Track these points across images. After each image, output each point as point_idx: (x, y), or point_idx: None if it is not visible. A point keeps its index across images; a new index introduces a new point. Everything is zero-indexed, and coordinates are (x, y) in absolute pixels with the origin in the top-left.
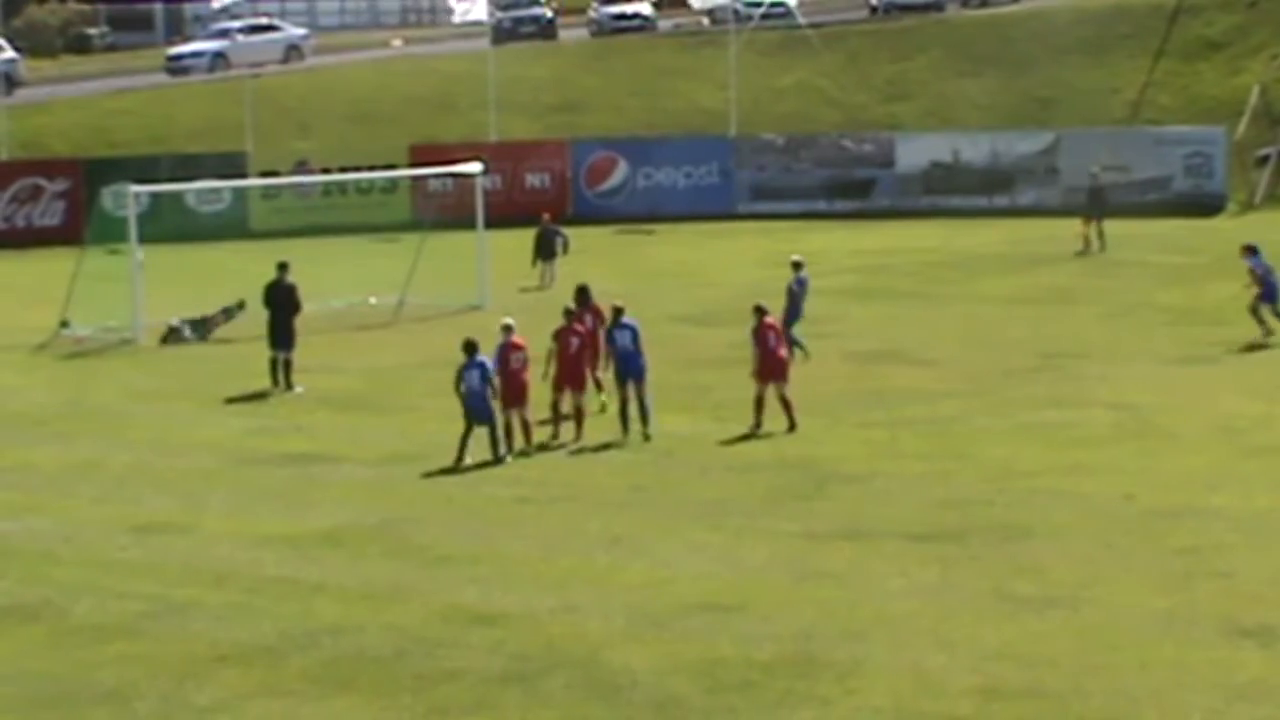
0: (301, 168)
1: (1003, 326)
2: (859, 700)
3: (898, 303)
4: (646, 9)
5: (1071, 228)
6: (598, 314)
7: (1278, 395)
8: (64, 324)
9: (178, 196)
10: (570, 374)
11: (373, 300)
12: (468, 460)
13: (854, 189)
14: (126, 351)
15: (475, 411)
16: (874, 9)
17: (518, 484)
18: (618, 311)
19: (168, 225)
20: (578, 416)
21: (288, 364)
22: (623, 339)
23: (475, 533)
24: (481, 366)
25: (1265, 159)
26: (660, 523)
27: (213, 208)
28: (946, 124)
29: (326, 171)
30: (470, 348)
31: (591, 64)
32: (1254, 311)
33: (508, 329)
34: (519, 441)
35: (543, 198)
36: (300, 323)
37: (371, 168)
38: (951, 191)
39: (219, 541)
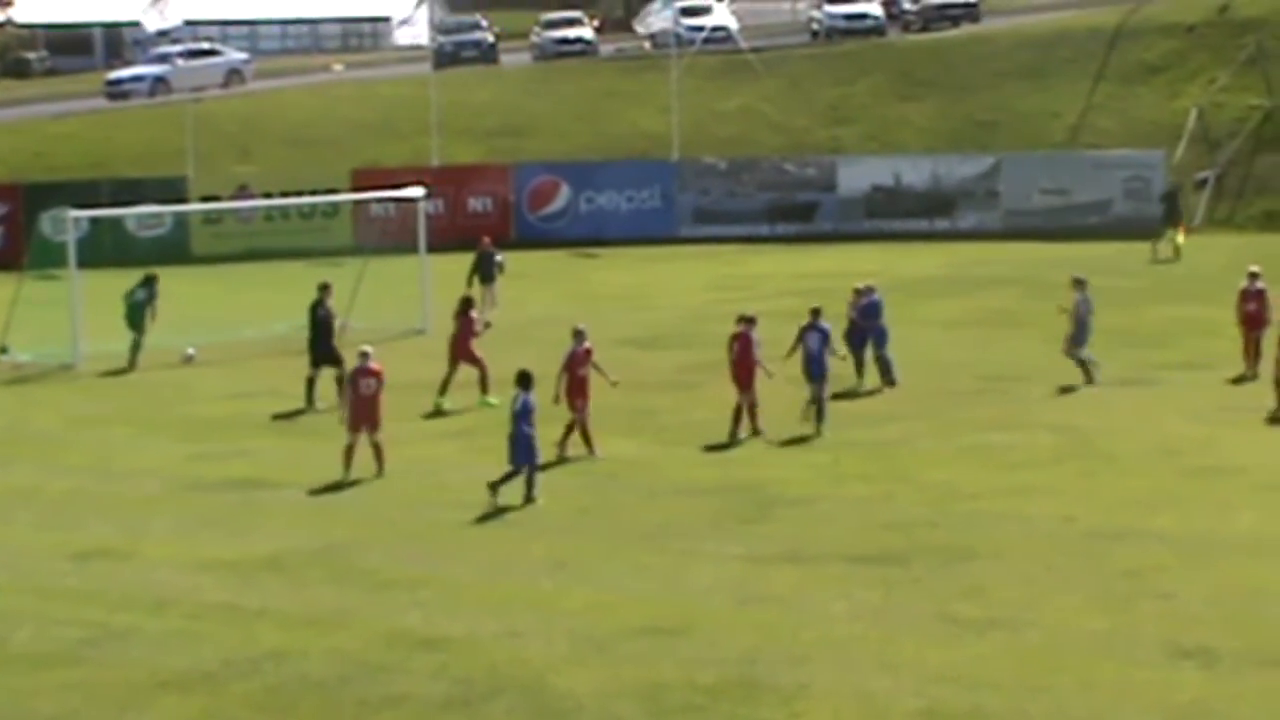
0: (243, 192)
1: (944, 349)
2: None
3: (840, 326)
4: (588, 33)
5: (1013, 251)
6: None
7: (1218, 417)
8: (3, 349)
9: (118, 221)
10: (580, 390)
11: None
12: (500, 499)
13: (796, 212)
14: (66, 377)
15: (526, 453)
16: (815, 33)
17: (461, 508)
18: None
19: (107, 250)
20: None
21: (327, 380)
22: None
23: (419, 557)
24: (527, 402)
25: (1204, 183)
26: (604, 546)
27: (153, 233)
28: (888, 148)
29: (268, 196)
30: (525, 380)
31: (534, 88)
32: (1068, 353)
33: (365, 355)
34: (368, 466)
35: (485, 222)
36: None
37: (313, 192)
38: (893, 215)
39: (159, 567)
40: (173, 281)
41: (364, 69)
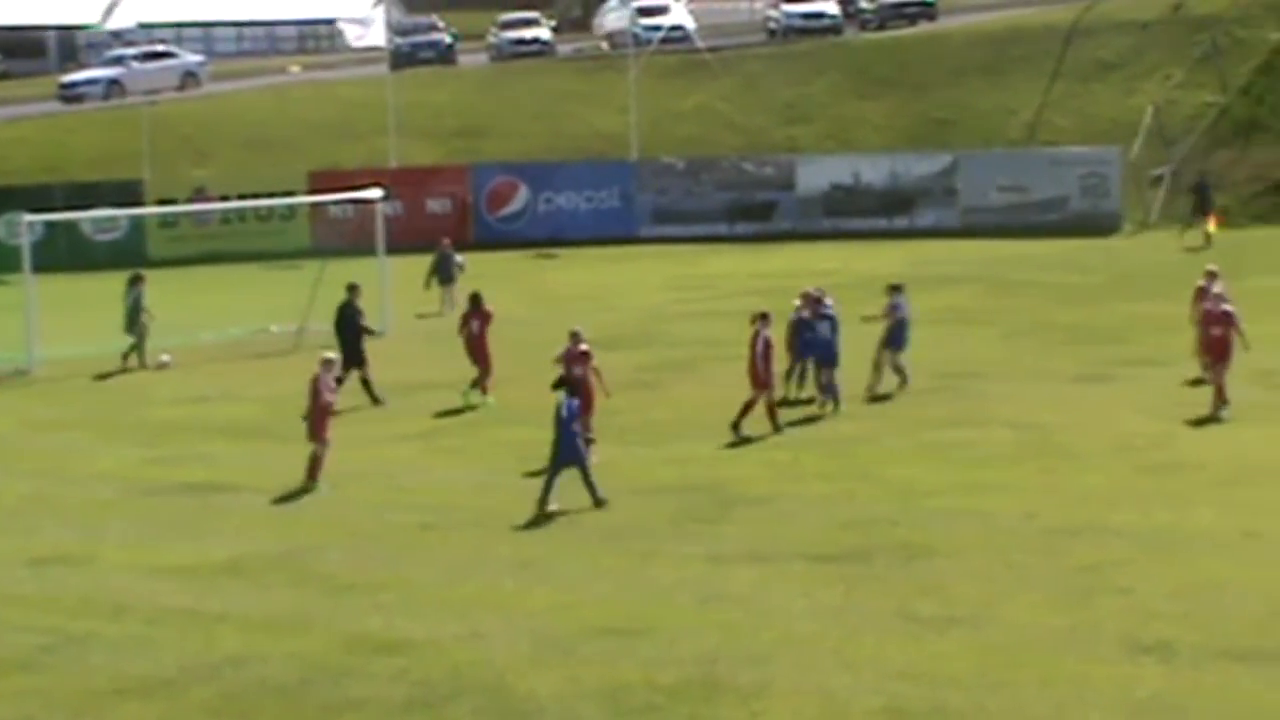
0: (199, 195)
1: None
2: None
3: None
4: (546, 34)
5: (971, 249)
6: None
7: (1175, 413)
8: None
9: (73, 225)
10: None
11: (274, 328)
12: (553, 506)
13: (755, 212)
14: (22, 382)
15: (572, 453)
16: (772, 32)
17: (421, 510)
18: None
19: (63, 255)
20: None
21: (364, 381)
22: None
23: (379, 560)
24: (572, 406)
25: (1159, 179)
26: (565, 547)
27: (109, 236)
28: (846, 146)
29: (225, 199)
30: (569, 385)
31: (491, 89)
32: (877, 357)
33: (329, 363)
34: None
35: (444, 223)
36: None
37: (270, 195)
38: (851, 213)
39: (118, 573)
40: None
41: (321, 70)
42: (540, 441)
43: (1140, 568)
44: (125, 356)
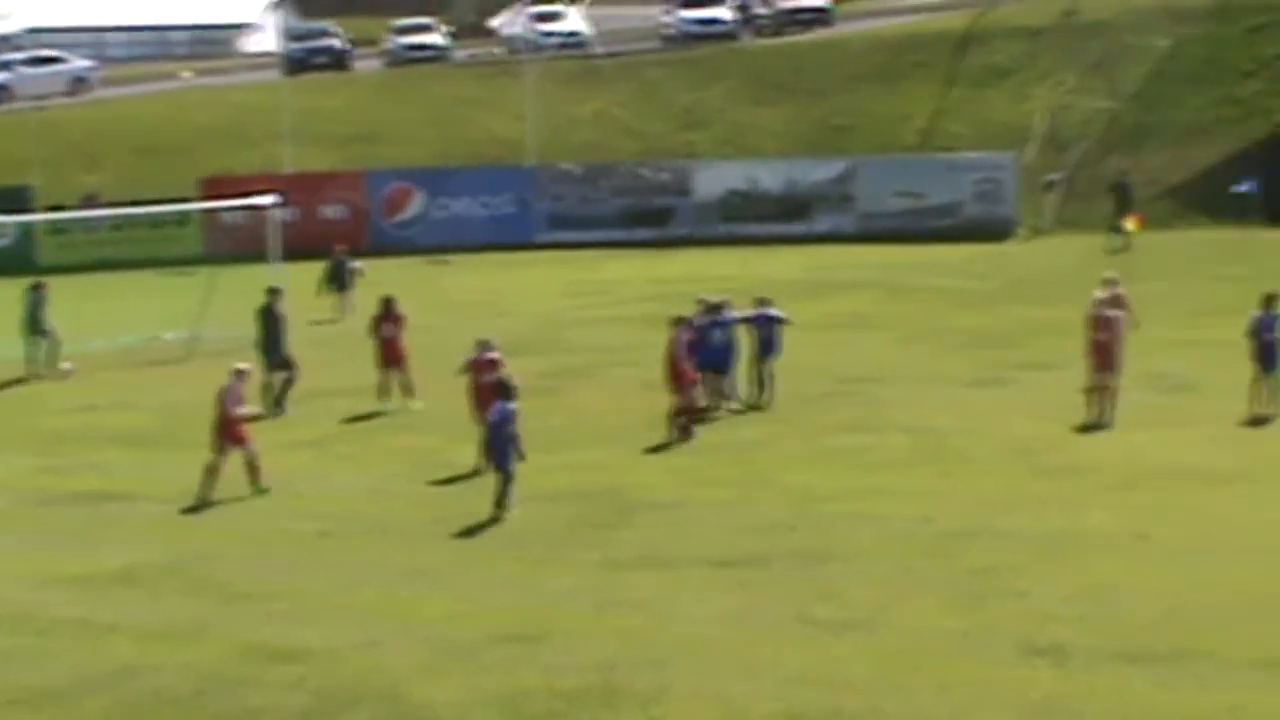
0: (90, 201)
1: (801, 352)
2: None
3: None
4: (441, 39)
5: (868, 254)
6: (400, 321)
7: (1069, 417)
8: None
9: None
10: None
11: (166, 335)
12: (515, 512)
13: (652, 217)
14: None
15: (505, 459)
16: (669, 39)
17: (317, 518)
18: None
19: None
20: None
21: (286, 384)
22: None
23: (275, 568)
24: (513, 414)
25: (1053, 184)
26: (463, 554)
27: None
28: (743, 152)
29: (116, 205)
30: (506, 390)
31: (386, 94)
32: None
33: (240, 374)
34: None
35: (339, 229)
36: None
37: (163, 201)
38: (748, 219)
39: (8, 583)
40: (18, 292)
41: (213, 76)
42: (435, 449)
43: (1035, 571)
44: (44, 364)
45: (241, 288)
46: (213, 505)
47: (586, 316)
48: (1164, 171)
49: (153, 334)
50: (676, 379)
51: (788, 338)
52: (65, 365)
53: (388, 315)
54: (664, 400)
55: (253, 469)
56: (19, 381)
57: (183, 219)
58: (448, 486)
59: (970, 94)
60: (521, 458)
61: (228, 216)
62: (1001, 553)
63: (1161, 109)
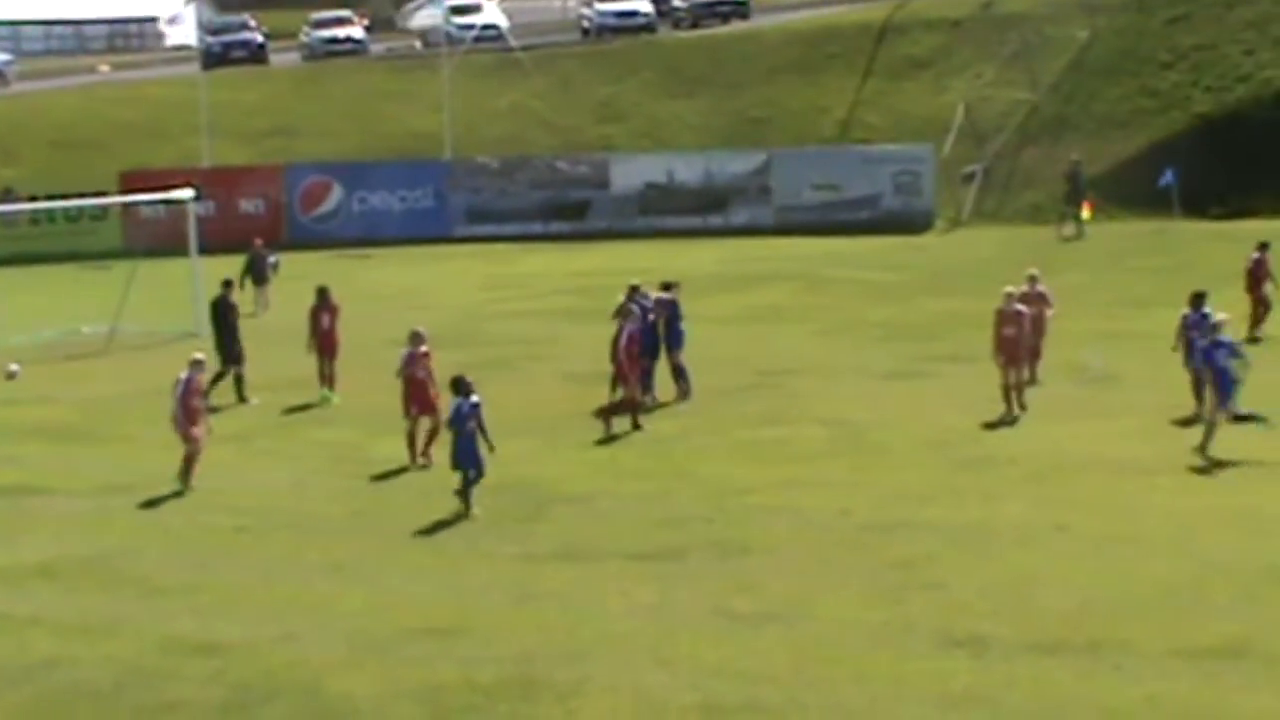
0: (7, 196)
1: (719, 345)
2: None
3: (614, 324)
4: (358, 33)
5: (786, 247)
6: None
7: (986, 409)
8: None
9: None
10: (421, 400)
11: (85, 329)
12: (477, 511)
13: (569, 211)
14: None
15: (467, 457)
16: (586, 31)
17: (236, 513)
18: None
19: None
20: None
21: (238, 378)
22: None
23: (193, 562)
24: (476, 408)
25: (971, 176)
26: (380, 548)
27: None
28: (660, 145)
29: (33, 199)
30: (462, 386)
31: (304, 88)
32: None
33: (198, 363)
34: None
35: (257, 223)
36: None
37: (80, 195)
38: (666, 212)
39: None
40: None
41: (131, 70)
42: (354, 444)
43: (952, 563)
44: None
45: (160, 282)
46: (131, 498)
47: (505, 310)
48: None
49: (72, 328)
50: (621, 369)
51: (706, 330)
52: (13, 367)
53: (324, 305)
54: (581, 394)
55: (189, 464)
56: None
57: (101, 213)
58: (366, 481)
59: (888, 86)
60: (490, 449)
61: (146, 211)
62: (919, 544)
63: (1080, 100)
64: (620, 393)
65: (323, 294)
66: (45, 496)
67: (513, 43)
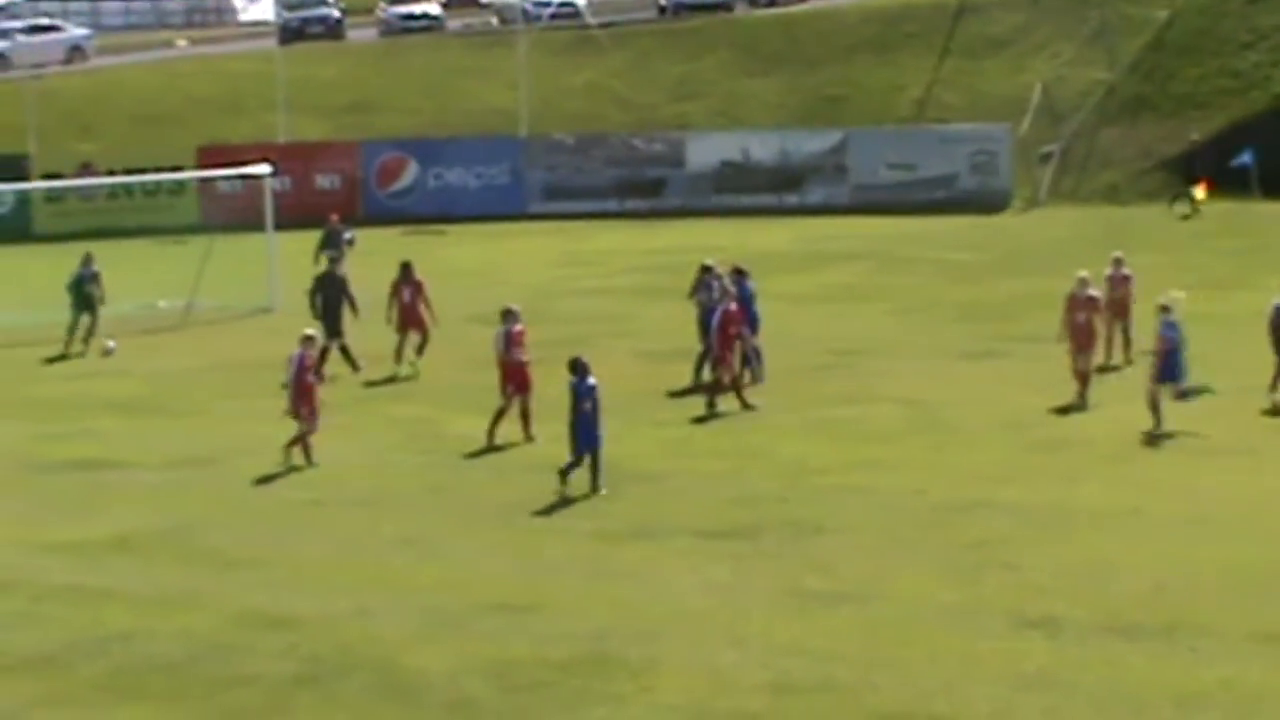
0: (86, 170)
1: (794, 324)
2: (653, 698)
3: (690, 302)
4: (435, 9)
5: (862, 226)
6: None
7: (1063, 390)
8: None
9: None
10: (518, 379)
11: (161, 304)
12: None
13: (645, 188)
14: None
15: (585, 438)
16: (663, 9)
17: (311, 487)
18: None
19: None
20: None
21: (344, 349)
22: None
23: (268, 536)
24: (593, 390)
25: (1048, 156)
26: (455, 524)
27: None
28: (736, 123)
29: (112, 174)
30: (578, 367)
31: (380, 64)
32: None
33: (309, 340)
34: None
35: (333, 199)
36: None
37: (158, 169)
38: (741, 190)
39: (4, 549)
40: (15, 261)
41: (208, 45)
42: (430, 419)
43: (1027, 544)
44: (84, 339)
45: (236, 257)
46: (207, 472)
47: (579, 287)
48: (1160, 144)
49: (148, 302)
50: (721, 350)
51: (780, 309)
52: (110, 344)
53: (406, 280)
54: (656, 372)
55: (304, 443)
56: (62, 357)
57: (178, 188)
58: (442, 457)
59: (965, 65)
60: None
61: (223, 185)
62: (994, 525)
63: (1158, 80)
64: (720, 372)
65: (405, 269)
66: (120, 470)
67: (589, 19)
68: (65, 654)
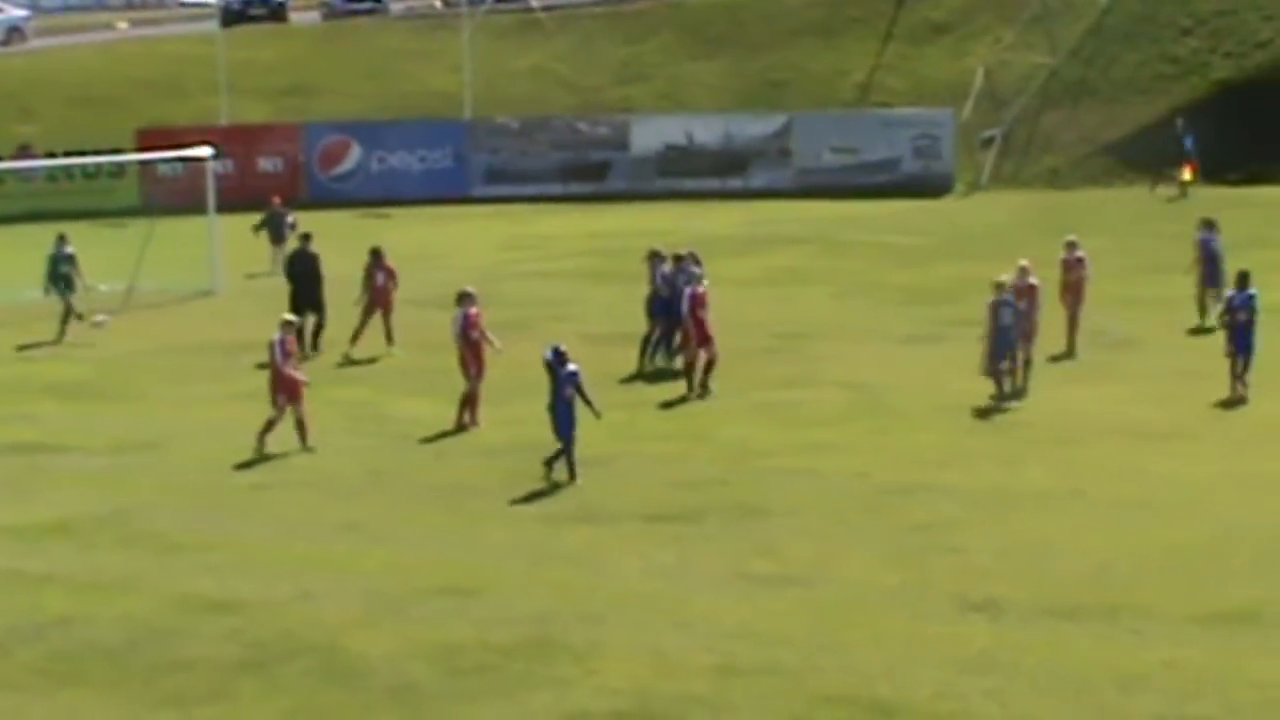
0: (24, 152)
1: (737, 308)
2: (598, 681)
3: (633, 285)
4: None
5: (806, 210)
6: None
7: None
8: None
9: None
10: (480, 361)
11: (102, 287)
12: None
13: (589, 172)
14: None
15: (566, 425)
16: None
17: (253, 470)
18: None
19: None
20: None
21: (318, 330)
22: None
23: (210, 520)
24: (574, 376)
25: (990, 140)
26: (398, 508)
27: None
28: (680, 107)
29: (51, 156)
30: (559, 355)
31: (323, 47)
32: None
33: (289, 324)
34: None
35: (275, 182)
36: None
37: (98, 152)
38: (685, 174)
39: None
40: None
41: (149, 27)
42: (372, 402)
43: (970, 526)
44: (63, 320)
45: (178, 240)
46: (148, 456)
47: (523, 270)
48: (1101, 129)
49: (89, 286)
50: (701, 333)
51: (725, 293)
52: (99, 317)
53: (378, 264)
54: (599, 355)
55: (302, 427)
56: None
57: (118, 170)
58: (381, 439)
59: (908, 50)
60: (597, 416)
61: (164, 168)
62: (937, 508)
63: (1099, 65)
64: (690, 353)
65: (376, 254)
66: (61, 454)
67: (533, 2)
68: (3, 639)
